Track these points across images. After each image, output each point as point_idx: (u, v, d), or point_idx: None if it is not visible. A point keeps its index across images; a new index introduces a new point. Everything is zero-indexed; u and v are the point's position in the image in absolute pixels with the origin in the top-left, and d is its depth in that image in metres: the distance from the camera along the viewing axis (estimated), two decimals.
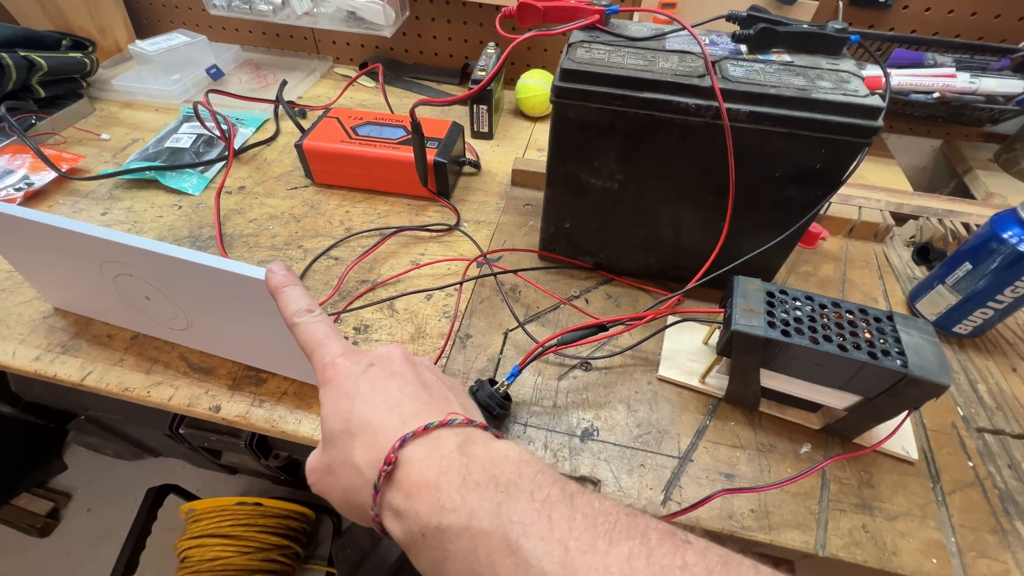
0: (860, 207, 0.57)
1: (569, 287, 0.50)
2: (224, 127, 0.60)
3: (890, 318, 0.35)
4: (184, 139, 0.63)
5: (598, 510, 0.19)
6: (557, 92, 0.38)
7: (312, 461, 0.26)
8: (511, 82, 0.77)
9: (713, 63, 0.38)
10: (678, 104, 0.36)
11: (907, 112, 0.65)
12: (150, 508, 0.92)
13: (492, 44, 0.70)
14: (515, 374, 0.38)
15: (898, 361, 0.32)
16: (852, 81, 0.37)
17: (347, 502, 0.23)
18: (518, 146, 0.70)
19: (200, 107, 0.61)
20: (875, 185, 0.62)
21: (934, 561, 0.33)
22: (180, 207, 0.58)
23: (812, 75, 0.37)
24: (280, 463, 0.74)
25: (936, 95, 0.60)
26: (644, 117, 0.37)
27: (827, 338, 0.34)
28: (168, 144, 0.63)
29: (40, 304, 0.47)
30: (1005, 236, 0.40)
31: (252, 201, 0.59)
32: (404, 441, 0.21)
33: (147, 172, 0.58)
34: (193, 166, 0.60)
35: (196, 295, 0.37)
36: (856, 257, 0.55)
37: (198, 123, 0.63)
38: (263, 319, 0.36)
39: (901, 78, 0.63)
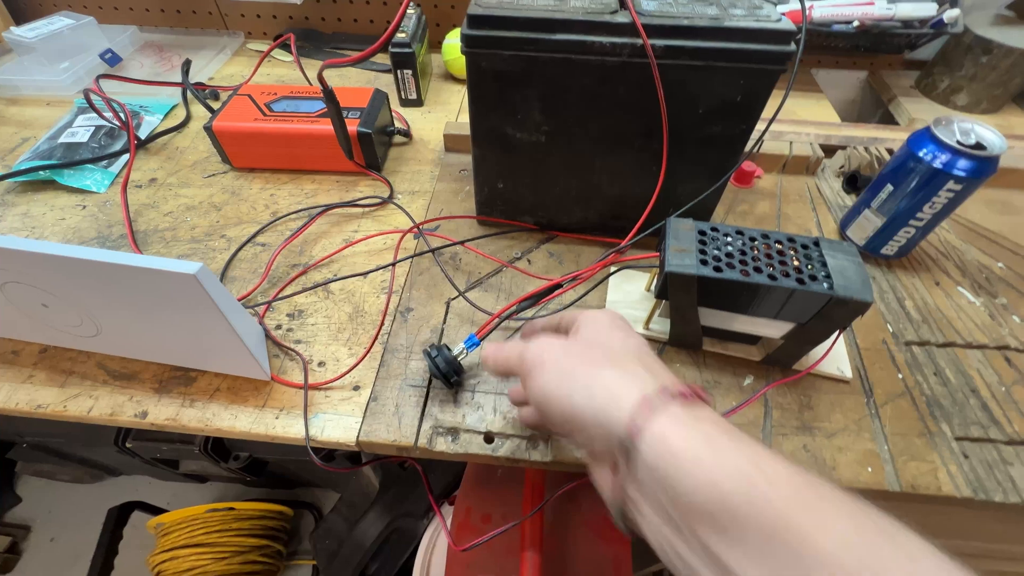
0: (791, 142, 0.58)
1: (512, 249, 0.49)
2: (122, 115, 0.55)
3: (816, 244, 0.36)
4: (81, 132, 0.58)
5: None
6: (467, 41, 0.36)
7: (554, 348, 0.27)
8: (438, 45, 0.74)
9: None
10: (592, 44, 0.35)
11: (831, 44, 0.66)
12: (113, 528, 0.89)
13: (412, 4, 0.66)
14: (475, 343, 0.37)
15: (824, 284, 0.33)
16: (764, 7, 0.36)
17: (571, 394, 0.25)
18: (450, 111, 0.67)
19: (92, 95, 0.55)
20: (805, 120, 0.63)
21: (869, 470, 0.35)
22: (85, 207, 0.53)
23: (725, 3, 0.36)
24: (241, 464, 0.72)
25: (856, 24, 0.61)
26: (560, 61, 0.36)
27: (757, 269, 0.34)
28: (63, 139, 0.57)
29: None
30: (920, 154, 0.41)
31: (166, 193, 0.54)
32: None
33: (40, 172, 0.53)
34: (93, 161, 0.55)
35: (100, 296, 0.34)
36: (790, 192, 0.56)
37: (96, 114, 0.58)
38: (182, 314, 0.33)
39: (822, 9, 0.63)
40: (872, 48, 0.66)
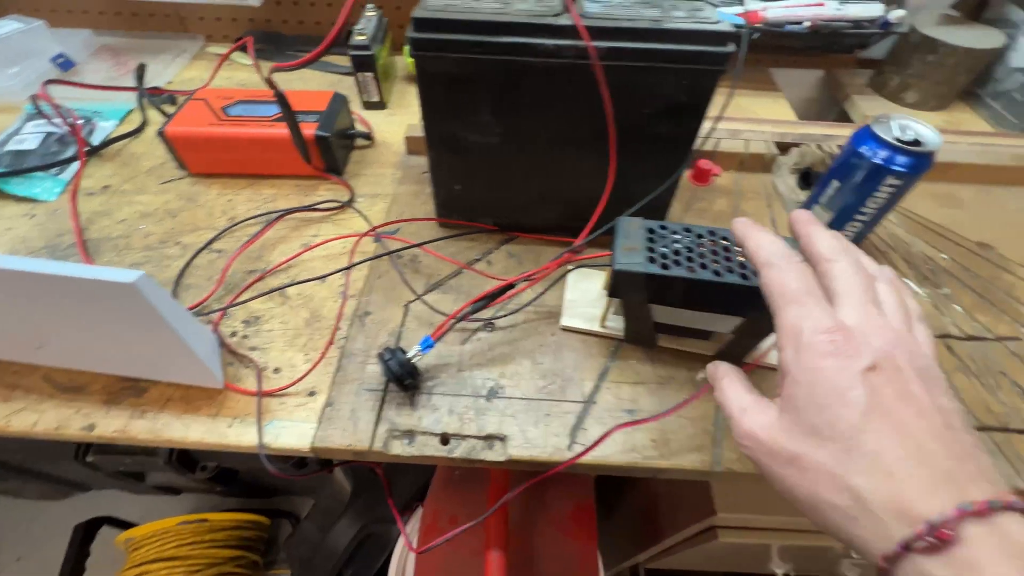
0: (747, 140, 0.59)
1: (472, 251, 0.49)
2: (70, 121, 0.53)
3: None
4: (30, 140, 0.56)
5: None
6: (413, 44, 0.36)
7: (760, 429, 0.23)
8: (401, 47, 0.73)
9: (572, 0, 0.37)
10: (537, 46, 0.35)
11: (786, 44, 0.67)
12: (80, 545, 0.86)
13: (371, 5, 0.66)
14: (430, 345, 0.37)
15: None
16: (705, 9, 0.37)
17: (812, 507, 0.21)
18: (414, 113, 0.66)
19: (40, 101, 0.54)
20: (762, 118, 0.64)
21: None
22: (34, 216, 0.51)
23: (667, 6, 0.37)
24: (209, 474, 0.71)
25: (807, 24, 0.62)
26: (506, 63, 0.36)
27: (703, 266, 0.35)
28: (10, 147, 0.55)
29: None
30: (862, 151, 0.43)
31: (120, 200, 0.53)
32: (962, 515, 0.17)
33: None
34: (42, 168, 0.53)
35: (39, 308, 0.33)
36: (747, 189, 0.58)
37: (45, 121, 0.56)
38: (126, 324, 0.33)
39: (776, 11, 0.64)
40: (825, 48, 0.68)
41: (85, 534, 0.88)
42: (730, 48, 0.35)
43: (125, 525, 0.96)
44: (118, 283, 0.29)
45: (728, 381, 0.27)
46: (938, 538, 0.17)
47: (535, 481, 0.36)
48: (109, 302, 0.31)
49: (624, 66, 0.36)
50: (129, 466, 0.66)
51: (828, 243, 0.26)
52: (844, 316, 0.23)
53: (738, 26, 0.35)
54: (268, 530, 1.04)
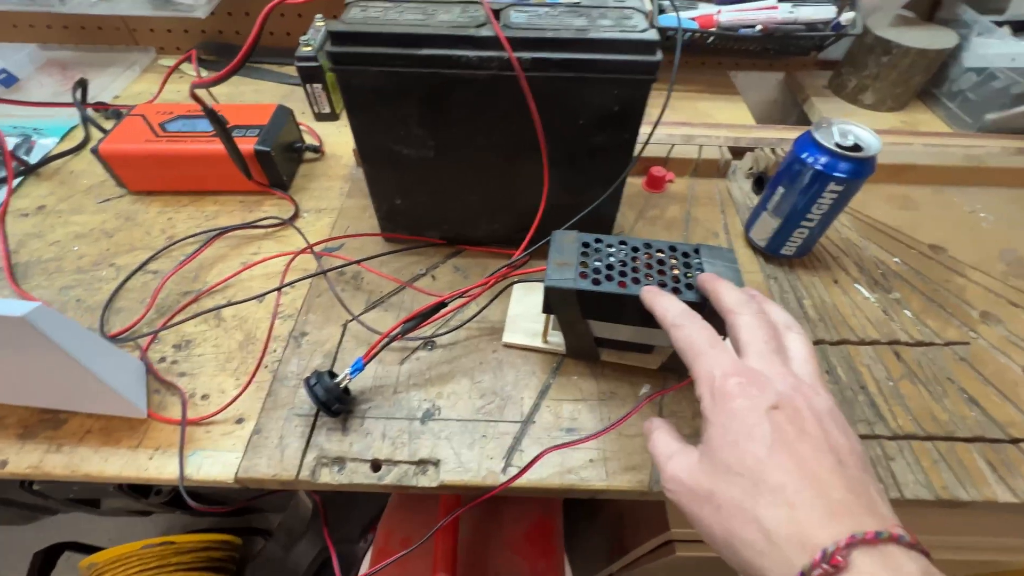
0: (701, 146, 0.59)
1: (417, 265, 0.48)
2: None
3: (696, 251, 0.36)
4: None
5: None
6: (332, 58, 0.35)
7: (682, 472, 0.24)
8: None
9: (497, 11, 0.36)
10: (459, 58, 0.34)
11: (743, 48, 0.67)
12: (39, 573, 0.83)
13: (320, 16, 0.65)
14: (359, 368, 0.36)
15: (694, 293, 0.33)
16: (633, 17, 0.36)
17: (727, 545, 0.21)
18: None
19: None
20: (717, 122, 0.64)
21: None
22: None
23: (595, 15, 0.36)
24: (164, 498, 0.69)
25: (759, 27, 0.62)
26: (430, 76, 0.35)
27: (636, 280, 0.34)
28: None
29: None
30: (803, 157, 0.42)
31: (54, 221, 0.52)
32: (852, 543, 0.18)
33: None
34: None
35: None
36: (701, 195, 0.57)
37: None
38: (35, 357, 0.31)
39: (730, 14, 0.64)
40: (781, 50, 0.67)
41: (44, 561, 0.85)
42: (658, 57, 0.34)
43: (89, 549, 0.93)
44: (7, 317, 0.27)
45: (658, 433, 0.28)
46: (832, 565, 0.18)
47: (474, 504, 0.35)
48: (4, 336, 0.29)
49: (552, 77, 0.35)
50: (79, 493, 0.64)
51: (734, 297, 0.28)
52: (750, 363, 0.25)
53: (665, 30, 0.34)
54: (239, 549, 1.02)
